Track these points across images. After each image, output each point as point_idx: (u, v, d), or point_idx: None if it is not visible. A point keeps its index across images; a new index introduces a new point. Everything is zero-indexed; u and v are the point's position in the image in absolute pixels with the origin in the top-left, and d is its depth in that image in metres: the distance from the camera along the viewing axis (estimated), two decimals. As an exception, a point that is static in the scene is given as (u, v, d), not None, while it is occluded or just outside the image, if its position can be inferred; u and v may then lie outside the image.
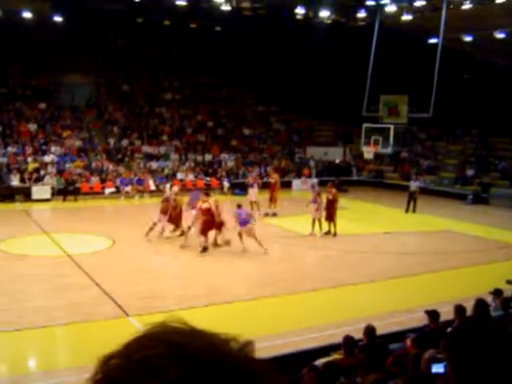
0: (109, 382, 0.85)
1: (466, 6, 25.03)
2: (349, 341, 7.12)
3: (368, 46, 28.38)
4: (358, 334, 7.75)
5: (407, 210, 25.43)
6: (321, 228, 19.49)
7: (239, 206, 17.06)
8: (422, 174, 33.95)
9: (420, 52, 29.79)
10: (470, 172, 33.51)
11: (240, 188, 29.47)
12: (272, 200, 23.58)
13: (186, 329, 0.90)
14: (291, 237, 19.66)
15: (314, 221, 19.51)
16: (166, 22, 36.41)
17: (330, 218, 19.65)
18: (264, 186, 25.41)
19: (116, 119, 35.18)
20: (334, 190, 19.98)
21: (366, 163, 36.97)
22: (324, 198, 19.78)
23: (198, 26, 36.27)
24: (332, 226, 19.70)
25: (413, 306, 11.72)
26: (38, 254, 16.04)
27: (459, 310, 7.90)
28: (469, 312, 8.10)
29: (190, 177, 31.62)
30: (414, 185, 25.71)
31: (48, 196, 26.87)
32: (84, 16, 32.86)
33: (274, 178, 24.39)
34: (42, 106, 33.77)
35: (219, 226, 16.83)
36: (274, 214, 23.41)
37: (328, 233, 19.78)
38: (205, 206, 16.45)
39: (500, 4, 23.96)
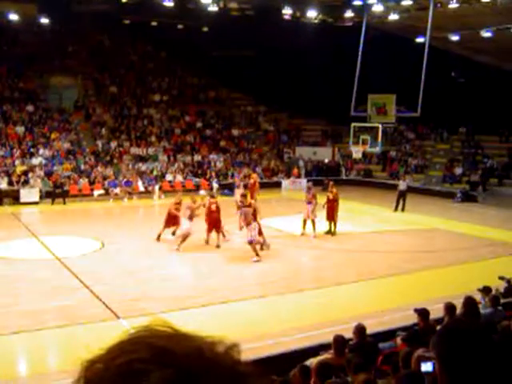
0: None
1: (453, 5, 25.09)
2: (339, 340, 7.11)
3: (356, 46, 28.41)
4: (348, 333, 7.75)
5: (396, 209, 25.51)
6: (314, 229, 19.45)
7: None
8: (411, 172, 34.08)
9: (407, 51, 29.89)
10: (458, 170, 33.68)
11: (229, 189, 29.53)
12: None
13: (170, 332, 0.89)
14: (281, 236, 19.64)
15: (305, 221, 19.49)
16: (154, 23, 36.33)
17: (331, 217, 19.74)
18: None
19: (104, 121, 35.00)
20: (335, 190, 20.14)
21: (355, 163, 37.06)
22: (325, 197, 20.01)
23: (185, 26, 36.18)
24: (332, 225, 19.79)
25: (402, 304, 11.73)
26: (26, 257, 15.94)
27: (449, 307, 7.92)
28: (458, 310, 8.12)
29: (179, 178, 31.54)
30: (403, 184, 25.82)
31: (36, 199, 26.71)
32: (71, 17, 32.68)
33: (253, 177, 24.53)
34: (30, 108, 33.56)
35: (218, 226, 17.51)
36: None
37: (328, 232, 19.87)
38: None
39: (486, 3, 24.07)
